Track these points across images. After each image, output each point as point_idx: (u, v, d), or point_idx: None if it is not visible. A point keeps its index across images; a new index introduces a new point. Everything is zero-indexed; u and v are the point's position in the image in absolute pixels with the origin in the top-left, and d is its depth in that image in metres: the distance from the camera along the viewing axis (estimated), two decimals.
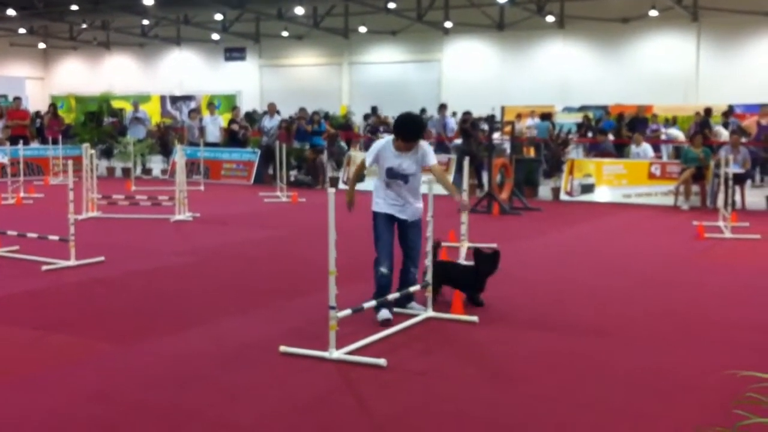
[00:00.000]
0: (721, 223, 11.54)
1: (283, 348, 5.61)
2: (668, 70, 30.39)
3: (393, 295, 6.44)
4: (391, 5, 30.69)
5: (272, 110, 20.24)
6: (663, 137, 21.16)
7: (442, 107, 22.25)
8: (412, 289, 6.69)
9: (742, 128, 17.69)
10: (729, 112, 21.89)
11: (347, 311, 5.75)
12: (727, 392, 4.72)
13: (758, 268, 9.09)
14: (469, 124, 17.71)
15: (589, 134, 21.46)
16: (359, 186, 7.22)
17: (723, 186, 12.07)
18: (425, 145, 6.78)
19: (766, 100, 23.24)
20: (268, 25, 36.90)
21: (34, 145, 21.19)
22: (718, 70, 29.98)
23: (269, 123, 19.85)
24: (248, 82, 38.26)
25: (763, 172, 17.98)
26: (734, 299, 7.55)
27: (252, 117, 24.11)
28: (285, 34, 36.60)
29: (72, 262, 8.66)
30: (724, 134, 18.48)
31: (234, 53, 39.49)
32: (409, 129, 6.60)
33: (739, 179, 14.36)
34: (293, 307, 7.02)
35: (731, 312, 7.01)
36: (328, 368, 5.31)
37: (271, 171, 18.20)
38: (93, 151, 14.04)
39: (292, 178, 17.66)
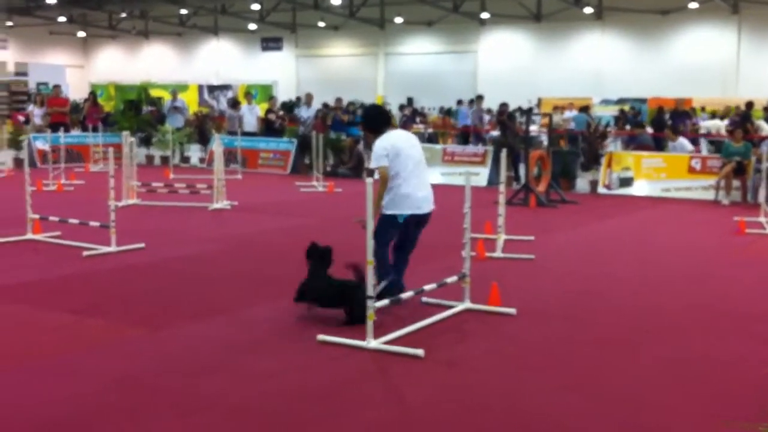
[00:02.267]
0: (762, 219, 11.36)
1: (320, 336, 5.65)
2: (707, 63, 29.96)
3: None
4: None
5: (309, 100, 20.31)
6: (702, 131, 20.87)
7: (479, 98, 22.17)
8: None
9: None
10: None
11: (385, 301, 5.78)
12: (758, 387, 4.69)
13: None
14: (505, 115, 17.63)
15: (627, 127, 21.23)
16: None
17: (764, 181, 11.90)
18: None
19: None
20: (305, 15, 36.99)
21: (75, 132, 21.46)
22: (759, 63, 29.48)
23: (306, 113, 19.92)
24: (284, 72, 38.40)
25: None
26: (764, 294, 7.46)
27: (289, 106, 24.18)
28: (321, 24, 36.66)
29: (112, 248, 8.78)
30: (765, 128, 18.19)
31: (270, 43, 39.65)
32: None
33: None
34: None
35: (759, 306, 6.93)
36: (365, 357, 5.34)
37: (307, 161, 18.27)
38: (133, 139, 14.20)
39: (339, 170, 17.75)
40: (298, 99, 26.24)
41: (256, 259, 8.79)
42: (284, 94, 32.83)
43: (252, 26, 38.13)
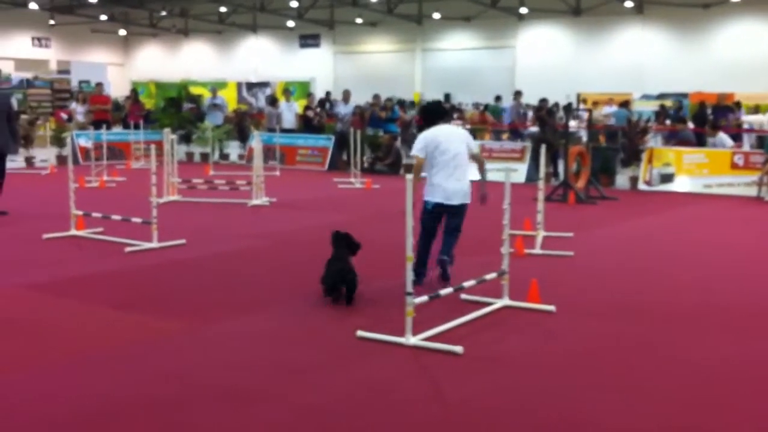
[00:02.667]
0: None
1: (360, 333, 5.67)
2: (751, 57, 29.43)
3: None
4: None
5: (347, 97, 20.37)
6: (746, 126, 20.52)
7: (517, 94, 22.05)
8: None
9: None
10: None
11: (424, 297, 5.78)
12: None
13: None
14: (544, 111, 17.50)
15: (667, 122, 20.95)
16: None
17: None
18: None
19: None
20: (343, 12, 37.08)
21: (116, 129, 21.76)
22: None
23: (344, 109, 19.99)
24: (322, 68, 38.52)
25: None
26: None
27: (327, 102, 24.27)
28: (359, 20, 36.72)
29: (154, 244, 8.90)
30: None
31: (308, 40, 39.80)
32: None
33: None
34: (368, 292, 7.05)
35: None
36: (404, 353, 5.36)
37: (345, 157, 18.33)
38: (174, 136, 14.37)
39: (376, 166, 17.81)
40: (328, 94, 26.31)
41: (294, 255, 8.85)
42: (322, 90, 32.96)
43: (290, 23, 38.30)
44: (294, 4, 35.83)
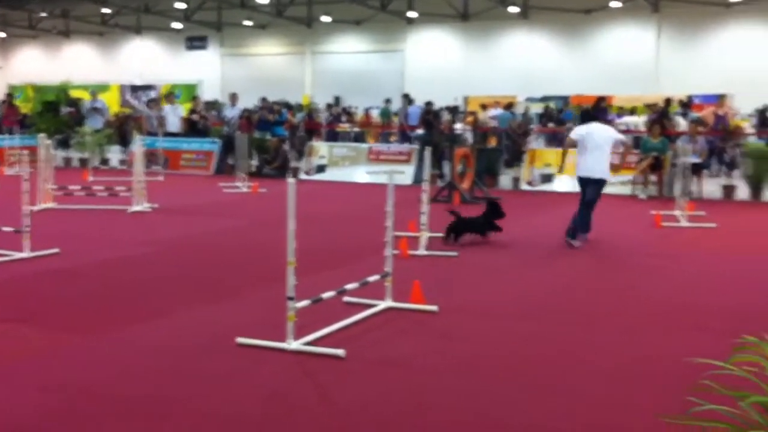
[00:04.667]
0: (677, 212, 11.67)
1: (240, 339, 5.55)
2: (629, 61, 30.68)
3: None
4: None
5: (234, 100, 20.09)
6: (621, 127, 21.31)
7: (405, 97, 22.24)
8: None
9: (699, 119, 17.89)
10: (688, 102, 22.14)
11: (306, 302, 5.71)
12: (687, 379, 4.77)
13: (712, 256, 9.22)
14: (431, 114, 17.72)
15: (550, 125, 21.57)
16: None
17: (680, 176, 12.22)
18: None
19: (723, 91, 23.57)
20: (231, 14, 36.62)
21: None
22: (677, 60, 30.34)
23: (230, 112, 19.70)
24: (210, 71, 37.93)
25: (719, 162, 18.22)
26: (688, 286, 7.64)
27: (213, 106, 23.88)
28: (248, 23, 36.33)
29: (26, 254, 8.50)
30: (682, 124, 18.68)
31: (195, 42, 39.13)
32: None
33: (696, 169, 14.56)
34: (253, 298, 6.96)
35: (685, 298, 7.10)
36: (286, 358, 5.27)
37: (231, 161, 18.05)
38: (50, 141, 13.80)
39: (264, 170, 17.59)
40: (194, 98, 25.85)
41: (175, 263, 8.62)
42: (209, 93, 32.43)
43: (176, 25, 37.54)
44: (180, 6, 35.12)
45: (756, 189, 14.98)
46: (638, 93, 28.28)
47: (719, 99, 19.78)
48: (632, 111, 24.61)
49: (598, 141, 9.69)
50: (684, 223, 11.33)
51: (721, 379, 1.98)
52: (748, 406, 1.74)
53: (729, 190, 15.21)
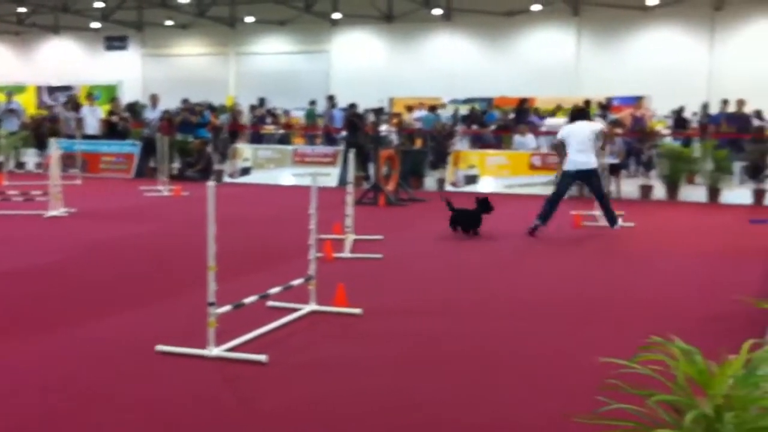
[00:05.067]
0: (596, 212, 11.92)
1: (159, 347, 5.43)
2: (550, 63, 31.27)
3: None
4: None
5: (154, 101, 19.71)
6: (544, 129, 21.70)
7: (330, 99, 22.19)
8: None
9: (617, 120, 18.34)
10: (607, 104, 22.66)
11: (227, 307, 5.62)
12: (599, 377, 4.85)
13: (629, 255, 9.45)
14: (355, 116, 17.71)
15: (473, 126, 21.82)
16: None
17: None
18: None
19: (641, 93, 24.24)
20: (151, 14, 35.98)
21: None
22: (597, 63, 31.06)
23: (151, 114, 19.34)
24: (130, 72, 37.18)
25: (637, 162, 18.70)
26: (610, 283, 7.80)
27: (134, 108, 23.40)
28: (169, 22, 35.75)
29: None
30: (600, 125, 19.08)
31: (115, 42, 38.33)
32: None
33: (615, 169, 14.91)
34: (175, 304, 6.83)
35: (600, 296, 7.25)
36: (207, 366, 5.18)
37: (153, 164, 17.72)
38: None
39: (186, 172, 17.30)
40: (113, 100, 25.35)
41: (91, 270, 8.39)
42: (130, 95, 31.77)
43: (95, 24, 36.70)
44: (99, 5, 34.33)
45: (672, 189, 15.43)
46: (560, 94, 28.85)
47: (637, 101, 20.30)
48: (554, 112, 25.06)
49: (580, 137, 10.79)
50: (603, 223, 11.57)
51: (630, 378, 2.01)
52: (654, 405, 1.77)
53: (646, 189, 15.63)
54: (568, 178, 11.03)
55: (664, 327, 2.82)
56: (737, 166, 15.69)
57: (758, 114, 20.56)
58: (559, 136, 11.16)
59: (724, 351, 1.91)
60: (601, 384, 2.05)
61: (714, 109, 22.39)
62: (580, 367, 5.19)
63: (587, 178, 11.05)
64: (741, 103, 18.81)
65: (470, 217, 10.68)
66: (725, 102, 20.46)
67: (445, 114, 25.26)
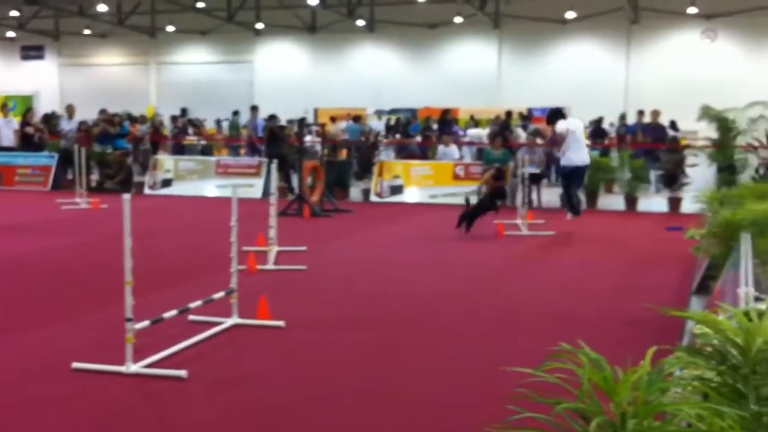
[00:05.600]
0: (519, 221, 12.12)
1: (75, 364, 5.29)
2: (473, 74, 31.66)
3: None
4: (200, 4, 30.09)
5: (71, 112, 19.24)
6: (467, 139, 21.99)
7: (254, 109, 22.02)
8: None
9: (538, 130, 18.67)
10: (528, 114, 23.08)
11: (145, 322, 5.51)
12: (511, 384, 4.93)
13: (550, 262, 9.63)
14: (277, 127, 17.62)
15: (397, 136, 21.96)
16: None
17: (521, 185, 12.70)
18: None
19: (561, 104, 24.74)
20: (69, 23, 35.12)
21: None
22: (518, 74, 31.60)
23: (68, 125, 18.86)
24: (47, 82, 36.23)
25: (557, 171, 19.06)
26: (529, 292, 7.92)
27: (50, 119, 22.78)
28: (87, 32, 34.94)
29: None
30: (522, 136, 19.45)
31: (31, 52, 37.30)
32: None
33: (536, 179, 15.19)
34: (91, 320, 6.66)
35: (518, 304, 7.36)
36: (125, 382, 5.06)
37: (70, 176, 17.27)
38: None
39: (106, 184, 16.91)
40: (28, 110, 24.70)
41: (2, 285, 8.12)
42: (47, 105, 30.95)
43: (10, 34, 35.64)
44: (14, 14, 33.37)
45: (591, 197, 15.79)
46: (483, 105, 29.26)
47: None
48: (476, 123, 25.41)
49: (578, 134, 11.86)
50: (525, 232, 11.77)
51: (542, 386, 2.04)
52: (562, 412, 1.80)
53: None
54: (571, 173, 12.01)
55: (576, 334, 2.87)
56: (653, 175, 16.16)
57: (673, 124, 21.22)
58: (562, 129, 11.77)
59: (631, 358, 1.96)
60: (511, 393, 2.07)
61: (631, 120, 23.03)
62: (493, 377, 5.26)
63: (582, 172, 12.21)
64: (656, 113, 19.37)
65: (483, 205, 11.63)
66: (641, 113, 21.04)
67: (377, 124, 25.38)
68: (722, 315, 2.43)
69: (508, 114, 21.31)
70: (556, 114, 12.43)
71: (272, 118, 18.91)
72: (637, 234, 12.28)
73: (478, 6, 29.58)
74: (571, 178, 12.17)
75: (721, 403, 2.00)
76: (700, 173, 14.36)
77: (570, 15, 29.91)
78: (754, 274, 4.17)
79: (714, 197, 8.46)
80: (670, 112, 21.24)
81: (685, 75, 29.06)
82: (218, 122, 28.90)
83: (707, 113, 12.41)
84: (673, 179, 15.39)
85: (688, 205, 12.37)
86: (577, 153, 11.84)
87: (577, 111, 25.72)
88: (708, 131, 13.28)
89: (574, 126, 12.04)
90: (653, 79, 29.82)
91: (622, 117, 24.01)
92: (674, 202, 14.98)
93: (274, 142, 17.17)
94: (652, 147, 17.84)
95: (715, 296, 5.18)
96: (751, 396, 2.07)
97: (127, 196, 5.26)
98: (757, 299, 3.41)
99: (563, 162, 11.98)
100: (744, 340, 2.06)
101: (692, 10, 28.21)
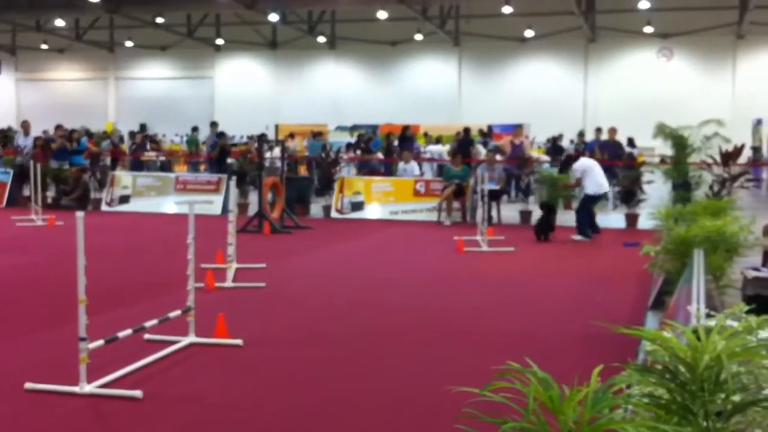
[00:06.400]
0: (479, 237, 12.18)
1: (28, 384, 5.19)
2: (434, 91, 31.91)
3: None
4: (159, 20, 29.88)
5: (26, 128, 18.96)
6: (427, 156, 22.10)
7: (214, 125, 21.89)
8: None
9: (498, 147, 18.83)
10: (488, 131, 23.27)
11: (99, 342, 5.43)
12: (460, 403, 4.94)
13: (509, 278, 9.68)
14: (227, 143, 17.58)
15: (358, 152, 21.99)
16: None
17: (480, 202, 12.78)
18: None
19: (520, 121, 24.99)
20: (26, 37, 34.68)
21: None
22: (478, 91, 31.91)
23: (23, 141, 18.58)
24: (3, 97, 35.71)
25: (516, 188, 19.22)
26: (487, 309, 7.95)
27: (5, 135, 22.44)
28: (44, 46, 34.54)
29: None
30: (482, 153, 19.58)
31: None
32: None
33: (495, 195, 15.29)
34: (45, 339, 6.56)
35: (475, 321, 7.37)
36: (79, 404, 4.98)
37: (26, 192, 17.00)
38: None
39: (62, 201, 16.67)
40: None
41: None
42: (3, 120, 30.48)
43: None
44: None
45: (549, 213, 15.88)
46: (443, 122, 29.45)
47: (515, 128, 20.91)
48: (438, 140, 25.53)
49: (598, 169, 13.30)
50: (485, 248, 11.83)
51: (489, 405, 2.04)
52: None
53: (525, 214, 16.06)
54: (598, 198, 13.43)
55: (529, 351, 2.89)
56: (611, 191, 16.34)
57: (631, 141, 21.54)
58: (579, 173, 13.26)
59: (578, 376, 1.97)
60: (458, 412, 2.08)
61: (589, 137, 23.32)
62: (442, 396, 5.25)
63: (604, 197, 13.85)
64: (613, 131, 19.63)
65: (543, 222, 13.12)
66: (599, 130, 21.33)
67: (338, 141, 25.38)
68: (671, 332, 2.46)
69: (466, 130, 21.42)
70: (569, 160, 14.23)
71: (221, 135, 18.88)
72: (595, 250, 12.41)
73: (438, 24, 29.84)
74: (595, 202, 13.45)
75: (670, 420, 2.03)
76: (656, 190, 14.56)
77: (529, 33, 30.30)
78: (706, 291, 4.23)
79: (669, 214, 8.58)
80: (628, 129, 21.59)
81: (641, 93, 29.59)
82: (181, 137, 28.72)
83: (662, 131, 12.56)
84: (630, 195, 15.57)
85: (644, 222, 12.52)
86: (599, 183, 13.18)
87: (536, 128, 26.08)
88: (664, 148, 13.47)
89: (590, 162, 13.60)
90: (611, 96, 30.30)
91: (581, 134, 24.30)
92: (631, 218, 15.16)
93: (223, 159, 17.16)
94: (609, 164, 18.07)
95: (670, 312, 5.24)
96: (700, 413, 2.10)
97: (80, 214, 5.20)
98: (709, 316, 3.46)
99: (593, 189, 13.12)
100: (692, 357, 2.09)
101: (648, 29, 28.76)
